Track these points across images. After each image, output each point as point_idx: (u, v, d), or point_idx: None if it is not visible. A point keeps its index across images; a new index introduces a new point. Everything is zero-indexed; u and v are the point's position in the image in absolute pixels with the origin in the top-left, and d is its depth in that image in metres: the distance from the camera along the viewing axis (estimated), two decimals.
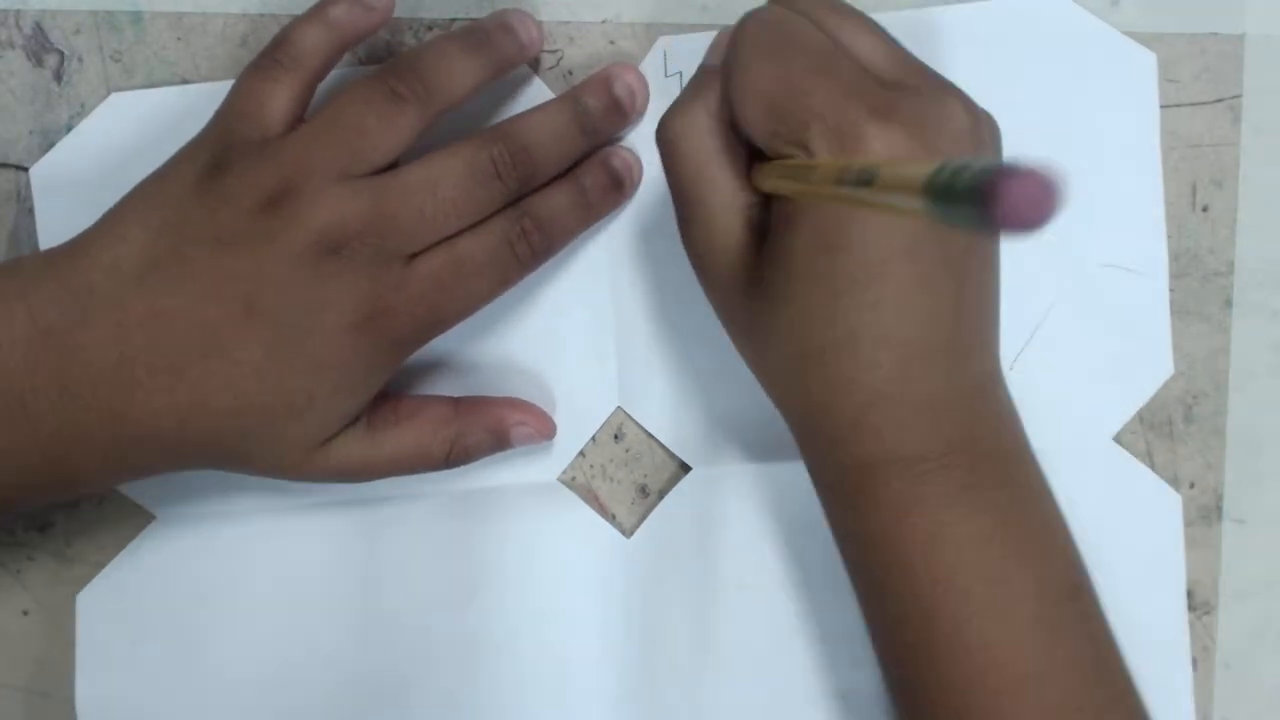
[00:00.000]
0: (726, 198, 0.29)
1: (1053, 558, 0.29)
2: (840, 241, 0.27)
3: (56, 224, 0.36)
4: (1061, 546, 0.29)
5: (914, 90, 0.28)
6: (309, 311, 0.30)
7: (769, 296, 0.29)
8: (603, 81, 0.34)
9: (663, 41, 0.36)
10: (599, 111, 0.34)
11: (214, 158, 0.30)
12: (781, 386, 0.30)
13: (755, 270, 0.29)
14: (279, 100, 0.31)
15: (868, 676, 0.36)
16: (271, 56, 0.31)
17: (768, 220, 0.29)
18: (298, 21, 0.32)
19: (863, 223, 0.27)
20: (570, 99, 0.33)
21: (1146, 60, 0.35)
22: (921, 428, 0.28)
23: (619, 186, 0.35)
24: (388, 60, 0.32)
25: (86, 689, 0.36)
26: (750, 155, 0.30)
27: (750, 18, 0.29)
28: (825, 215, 0.27)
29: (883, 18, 0.35)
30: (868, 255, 0.27)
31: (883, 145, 0.26)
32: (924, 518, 0.28)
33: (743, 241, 0.29)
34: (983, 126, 0.28)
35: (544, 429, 0.35)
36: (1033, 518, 0.29)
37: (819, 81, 0.27)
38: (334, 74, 0.33)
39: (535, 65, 0.36)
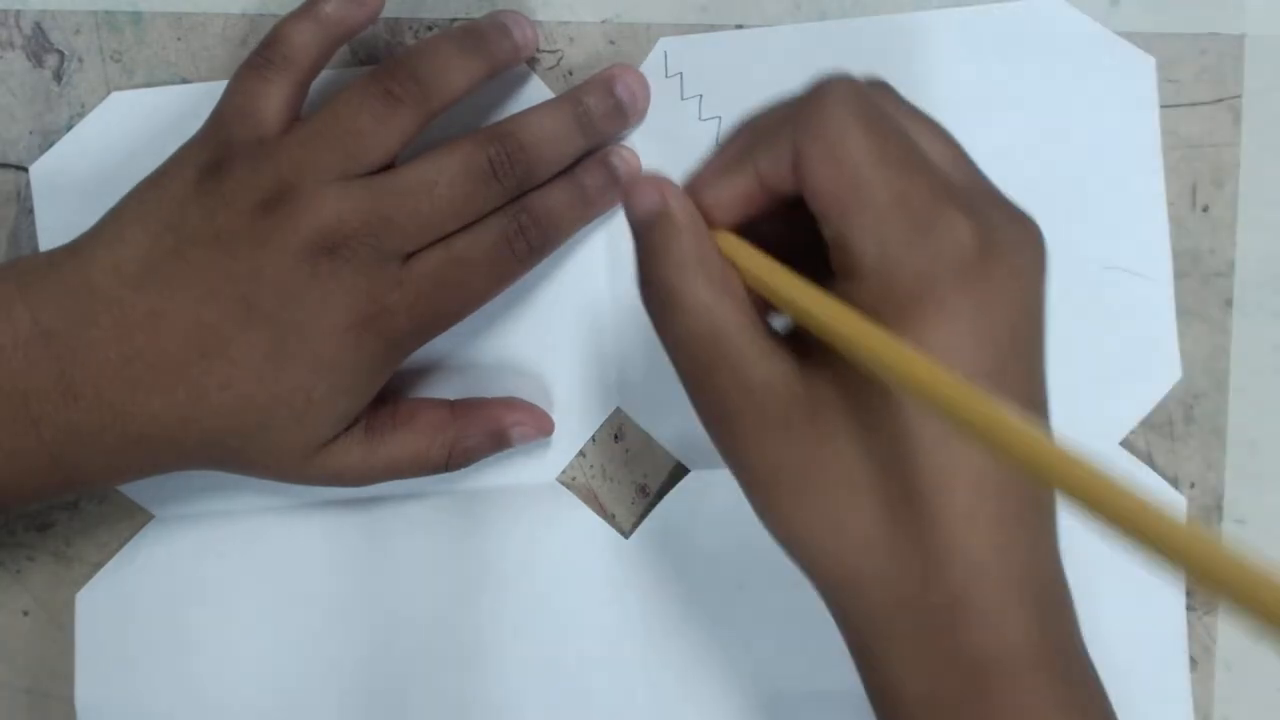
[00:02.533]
0: (747, 333, 0.25)
1: None
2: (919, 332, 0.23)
3: (55, 222, 0.36)
4: None
5: (988, 198, 0.26)
6: (307, 311, 0.30)
7: (841, 415, 0.24)
8: (604, 82, 0.34)
9: (663, 43, 0.36)
10: (599, 112, 0.34)
11: (212, 158, 0.30)
12: (862, 545, 0.24)
13: (803, 398, 0.24)
14: (273, 99, 0.31)
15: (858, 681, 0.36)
16: (264, 55, 0.31)
17: (781, 342, 0.25)
18: (289, 19, 0.32)
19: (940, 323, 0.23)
20: (570, 99, 0.33)
21: (1146, 64, 0.35)
22: (1031, 607, 0.24)
23: (618, 185, 0.34)
24: (383, 60, 0.32)
25: (86, 688, 0.36)
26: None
27: (838, 82, 0.25)
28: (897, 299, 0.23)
29: (880, 22, 0.35)
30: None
31: (950, 231, 0.23)
32: None
33: (778, 371, 0.25)
34: (1044, 254, 0.26)
35: (542, 426, 0.35)
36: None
37: (907, 166, 0.24)
38: (331, 74, 0.33)
39: (535, 65, 0.36)
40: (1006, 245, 0.24)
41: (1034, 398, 0.25)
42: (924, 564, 0.23)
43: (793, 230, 0.26)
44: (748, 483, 0.26)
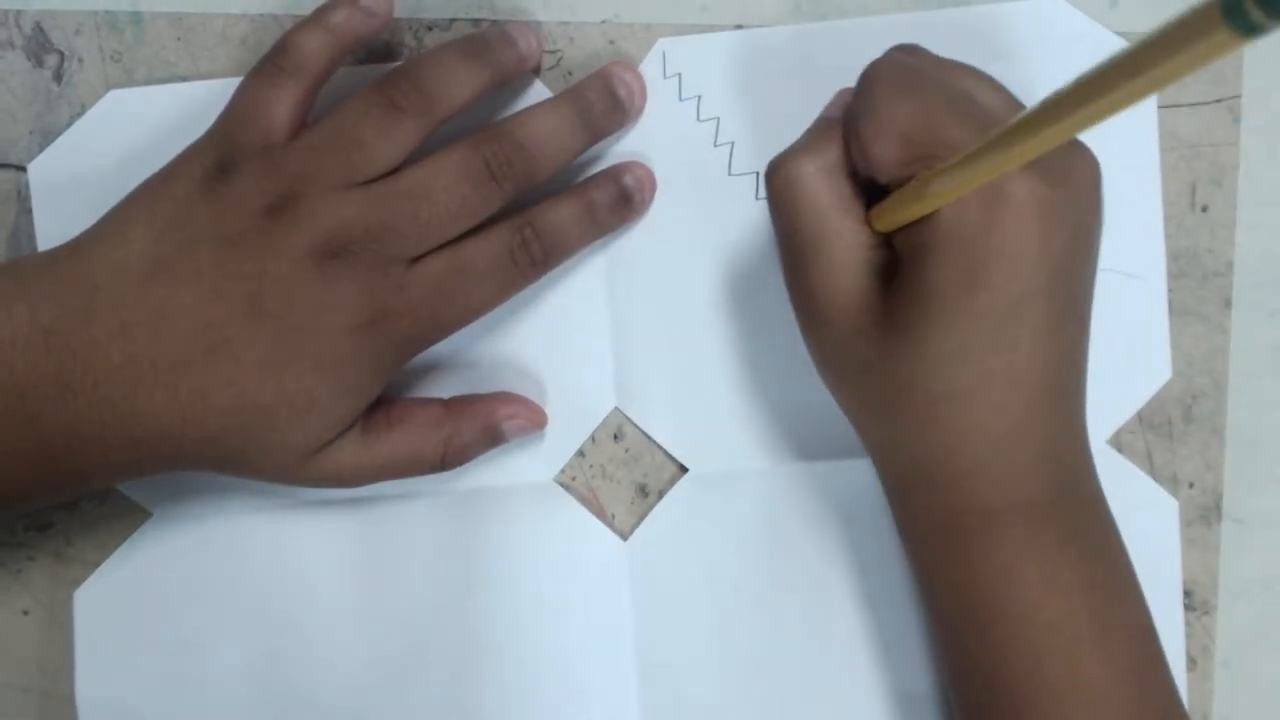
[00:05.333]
0: (850, 239, 0.29)
1: (1138, 600, 0.30)
2: (984, 278, 0.27)
3: (54, 220, 0.36)
4: (1139, 588, 0.30)
5: None
6: (312, 313, 0.30)
7: (901, 338, 0.28)
8: (603, 79, 0.34)
9: (662, 43, 0.36)
10: (600, 109, 0.34)
11: (219, 161, 0.31)
12: (897, 431, 0.30)
13: (879, 312, 0.29)
14: (282, 106, 0.31)
15: (860, 677, 0.36)
16: (274, 62, 0.32)
17: (887, 263, 0.29)
18: (299, 28, 0.32)
19: (1007, 259, 0.27)
20: (570, 96, 0.33)
21: None
22: (1039, 474, 0.29)
23: (628, 202, 0.35)
24: (389, 69, 0.32)
25: (86, 686, 0.36)
26: (867, 202, 0.30)
27: (880, 61, 0.30)
28: (968, 251, 0.27)
29: (880, 23, 0.35)
30: (1010, 293, 0.27)
31: (1020, 181, 0.27)
32: (1039, 564, 0.29)
33: (866, 284, 0.29)
34: (1098, 171, 0.29)
35: (535, 419, 0.35)
36: (1121, 561, 0.30)
37: (954, 118, 0.28)
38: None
39: (535, 67, 0.36)
40: (1061, 174, 0.27)
41: (1082, 307, 0.29)
42: (957, 441, 0.29)
43: None
44: (817, 360, 0.31)
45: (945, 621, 0.31)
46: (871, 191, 0.30)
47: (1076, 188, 0.28)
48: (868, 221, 0.30)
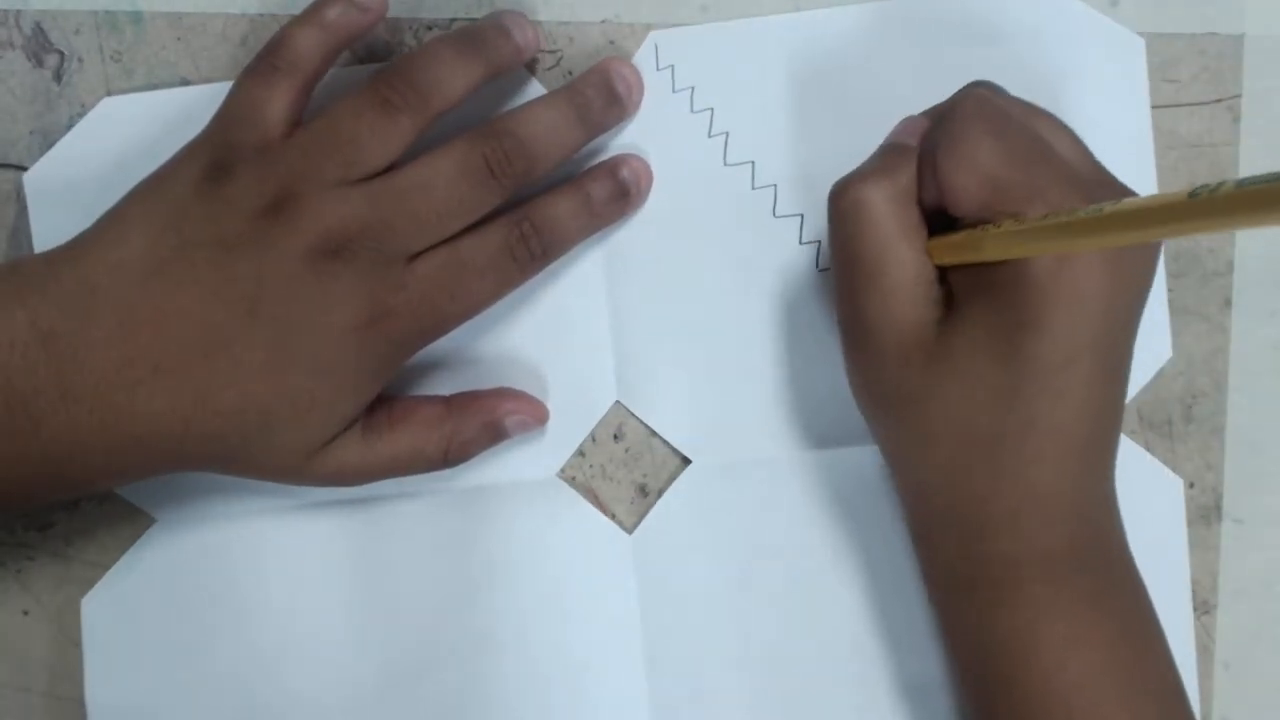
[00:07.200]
0: (913, 270, 0.29)
1: (1164, 660, 0.30)
2: (1045, 323, 0.27)
3: (51, 229, 0.36)
4: (1167, 648, 0.30)
5: (1112, 188, 0.29)
6: (311, 312, 0.30)
7: (950, 373, 0.28)
8: (601, 74, 0.34)
9: (654, 36, 0.36)
10: (598, 105, 0.34)
11: (215, 161, 0.31)
12: (933, 473, 0.30)
13: (931, 346, 0.29)
14: (276, 104, 0.31)
15: (867, 670, 0.36)
16: (268, 60, 0.32)
17: (943, 296, 0.30)
18: (292, 24, 0.32)
19: (1070, 308, 0.27)
20: (568, 92, 0.33)
21: (1134, 45, 0.35)
22: (1069, 529, 0.29)
23: (625, 195, 0.35)
24: (384, 65, 0.32)
25: (96, 693, 0.36)
26: (928, 232, 0.30)
27: (967, 96, 0.30)
28: (1032, 294, 0.27)
29: (872, 9, 0.35)
30: (1068, 342, 0.27)
31: None
32: (1064, 620, 0.29)
33: (923, 316, 0.29)
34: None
35: (537, 414, 0.35)
36: (1147, 620, 0.30)
37: (1039, 164, 0.28)
38: (330, 70, 0.33)
39: (533, 66, 0.36)
40: None
41: (1127, 364, 0.29)
42: (991, 487, 0.29)
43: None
44: (859, 387, 0.31)
45: (968, 673, 0.31)
46: (933, 223, 0.30)
47: (1147, 249, 0.28)
48: (928, 252, 0.30)
